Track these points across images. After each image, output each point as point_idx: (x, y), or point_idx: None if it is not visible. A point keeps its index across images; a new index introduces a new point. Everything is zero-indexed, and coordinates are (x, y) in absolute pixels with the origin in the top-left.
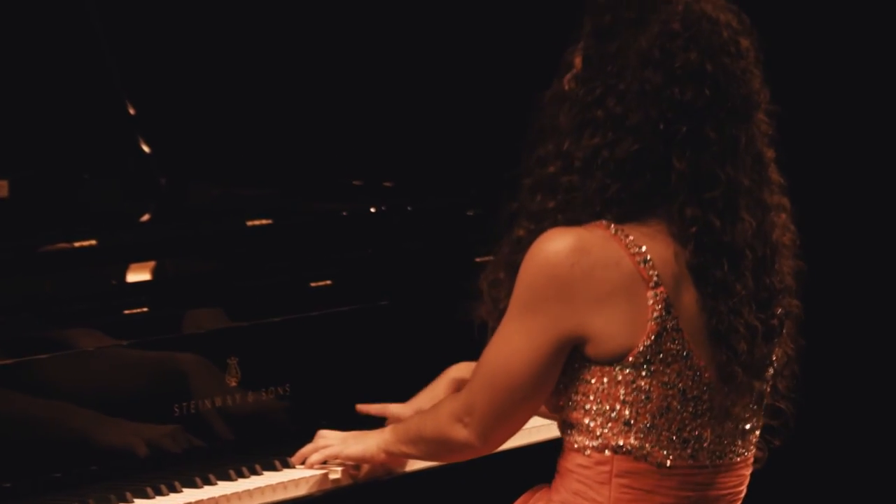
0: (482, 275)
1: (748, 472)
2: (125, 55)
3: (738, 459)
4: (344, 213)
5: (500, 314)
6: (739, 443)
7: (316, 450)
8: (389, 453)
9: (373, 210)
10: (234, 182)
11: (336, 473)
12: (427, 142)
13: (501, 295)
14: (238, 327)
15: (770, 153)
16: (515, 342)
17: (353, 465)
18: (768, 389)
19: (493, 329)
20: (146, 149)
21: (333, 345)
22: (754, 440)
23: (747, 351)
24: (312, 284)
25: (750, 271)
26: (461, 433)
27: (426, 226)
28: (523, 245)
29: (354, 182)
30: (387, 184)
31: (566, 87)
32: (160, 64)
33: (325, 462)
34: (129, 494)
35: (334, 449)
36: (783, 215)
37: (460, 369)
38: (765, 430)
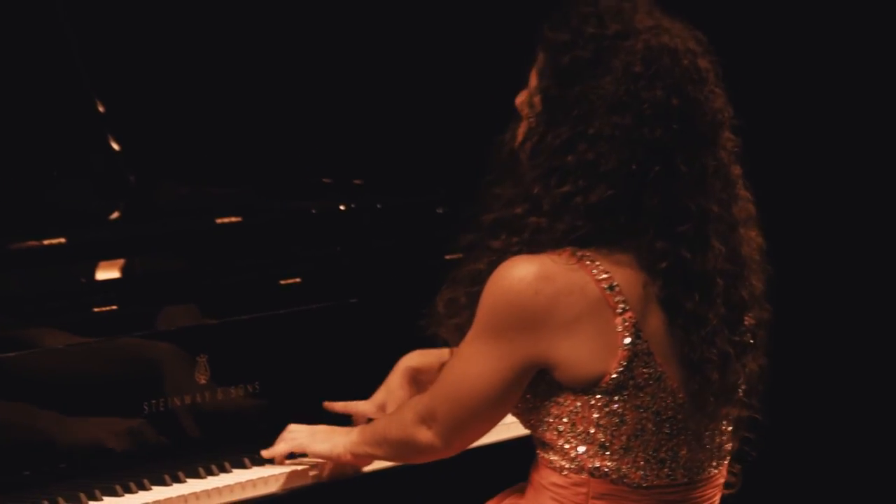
0: (438, 297)
1: (722, 479)
2: (95, 53)
3: (716, 473)
4: (313, 211)
5: (462, 335)
6: (715, 455)
7: (283, 441)
8: (355, 455)
9: (342, 208)
10: (203, 180)
11: (305, 471)
12: (396, 140)
13: (462, 320)
14: (208, 325)
15: (737, 170)
16: (478, 363)
17: (320, 461)
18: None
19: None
20: (116, 147)
21: (303, 342)
22: (730, 449)
23: (720, 378)
24: (282, 282)
25: (721, 298)
26: (425, 435)
27: (395, 223)
28: (483, 278)
29: (324, 180)
30: (356, 182)
31: (528, 125)
32: (130, 62)
33: (291, 454)
34: (98, 492)
35: (302, 441)
36: (752, 231)
37: (413, 358)
38: (741, 441)
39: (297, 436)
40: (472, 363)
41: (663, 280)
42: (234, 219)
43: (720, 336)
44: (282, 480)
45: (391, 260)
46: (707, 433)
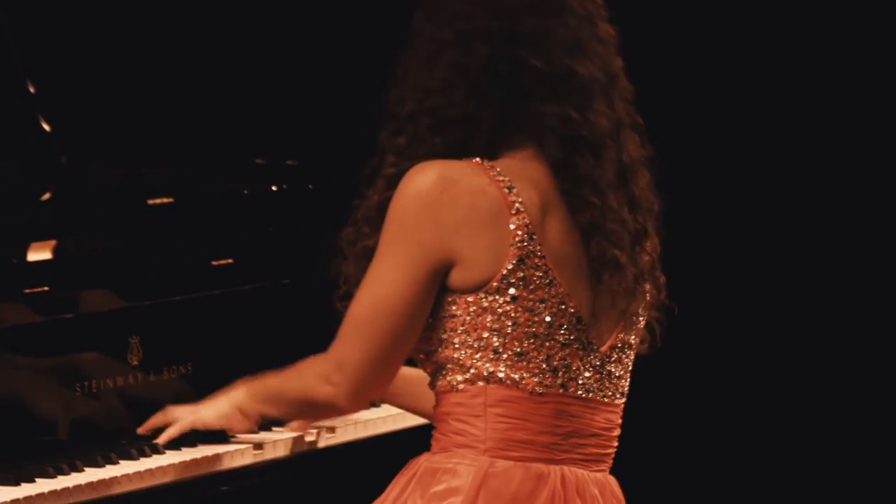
0: (343, 232)
1: (617, 420)
2: (25, 32)
3: (606, 400)
4: (245, 192)
5: (368, 258)
6: (607, 384)
7: (167, 422)
8: (246, 414)
9: (274, 189)
10: (135, 161)
11: (239, 452)
12: (330, 121)
13: (368, 240)
14: (139, 306)
15: (618, 62)
16: (389, 279)
17: (255, 444)
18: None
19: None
20: (46, 127)
21: (235, 324)
22: (621, 389)
23: (615, 233)
24: (214, 263)
25: (612, 164)
26: (328, 392)
27: (328, 205)
28: (392, 182)
29: (257, 161)
30: (289, 162)
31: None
32: (61, 41)
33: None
34: (31, 474)
35: (186, 420)
36: (630, 131)
37: None
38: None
39: (178, 415)
40: (382, 281)
41: (556, 140)
42: (165, 200)
43: (613, 194)
44: (215, 462)
45: (324, 241)
46: (599, 355)
